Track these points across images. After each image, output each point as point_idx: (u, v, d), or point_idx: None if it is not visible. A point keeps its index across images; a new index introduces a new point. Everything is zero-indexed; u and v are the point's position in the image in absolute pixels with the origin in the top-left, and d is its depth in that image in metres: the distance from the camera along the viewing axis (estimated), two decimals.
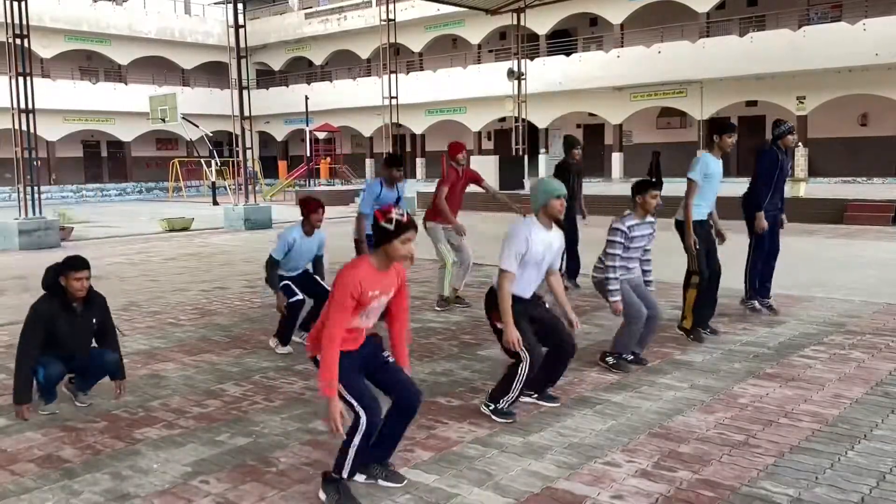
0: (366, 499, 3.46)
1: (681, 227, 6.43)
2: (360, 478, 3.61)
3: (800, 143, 26.41)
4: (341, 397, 3.35)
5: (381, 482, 3.60)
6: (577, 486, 3.57)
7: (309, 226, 6.23)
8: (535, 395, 4.76)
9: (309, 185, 33.64)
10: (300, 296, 6.28)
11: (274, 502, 3.46)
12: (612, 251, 5.41)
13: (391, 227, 3.36)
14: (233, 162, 29.79)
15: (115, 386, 4.91)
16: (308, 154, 35.04)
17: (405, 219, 3.39)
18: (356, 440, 3.41)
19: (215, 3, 40.66)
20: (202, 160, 32.62)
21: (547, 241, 4.57)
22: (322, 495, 3.45)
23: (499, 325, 4.52)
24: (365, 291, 3.36)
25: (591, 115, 32.38)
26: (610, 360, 5.53)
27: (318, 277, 6.43)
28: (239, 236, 16.77)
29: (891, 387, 5.01)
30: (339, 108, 38.00)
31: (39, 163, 15.84)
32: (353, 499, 3.39)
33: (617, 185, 28.45)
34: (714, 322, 6.64)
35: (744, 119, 29.34)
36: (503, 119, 33.06)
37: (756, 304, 7.26)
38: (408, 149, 39.51)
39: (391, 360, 3.68)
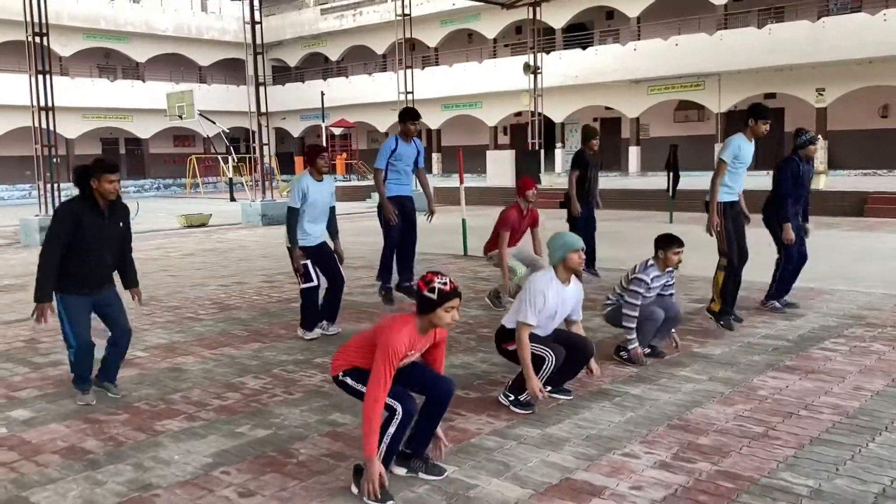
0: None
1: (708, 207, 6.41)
2: (400, 471, 3.62)
3: (819, 136, 26.14)
4: None
5: (421, 475, 3.61)
6: (596, 477, 3.57)
7: (317, 172, 6.42)
8: (549, 389, 4.76)
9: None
10: (315, 281, 6.43)
11: (294, 493, 3.49)
12: (632, 300, 5.43)
13: (434, 296, 3.39)
14: (250, 158, 30.01)
15: (132, 294, 5.09)
16: None
17: (448, 287, 3.40)
18: (391, 430, 3.45)
19: (231, 0, 40.80)
20: (219, 156, 32.81)
21: (562, 297, 4.64)
22: (354, 489, 3.46)
23: (510, 349, 4.63)
24: (406, 354, 3.45)
25: (607, 108, 32.25)
26: (624, 354, 5.51)
27: (335, 255, 6.59)
28: (256, 231, 16.86)
29: None
30: (355, 103, 38.06)
31: (59, 160, 15.97)
32: (386, 492, 3.39)
33: (634, 179, 28.36)
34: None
35: None
36: (519, 113, 33.01)
37: (776, 303, 7.14)
38: (424, 144, 39.52)
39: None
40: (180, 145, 42.44)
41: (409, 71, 22.46)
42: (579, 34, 32.98)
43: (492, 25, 35.12)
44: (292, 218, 6.31)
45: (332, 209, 6.70)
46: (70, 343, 4.81)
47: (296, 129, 43.35)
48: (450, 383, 3.68)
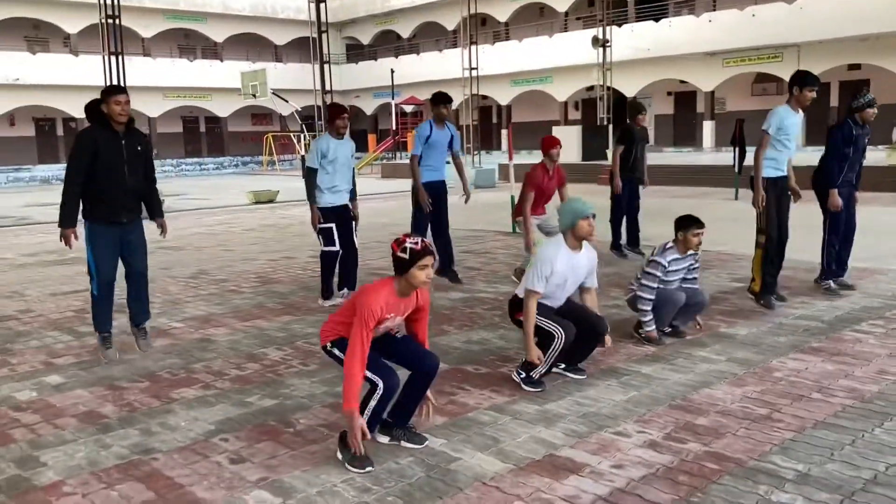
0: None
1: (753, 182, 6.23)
2: (383, 439, 3.73)
3: None
4: None
5: (403, 443, 3.70)
6: (580, 455, 3.56)
7: (335, 131, 6.63)
8: (563, 366, 4.74)
9: (396, 158, 34.04)
10: (335, 246, 6.66)
11: (283, 460, 3.60)
12: (648, 283, 5.31)
13: (406, 256, 3.46)
14: None
15: (158, 224, 5.35)
16: (394, 127, 35.39)
17: (419, 246, 3.47)
18: (372, 404, 3.54)
19: None
20: (292, 134, 33.47)
21: (572, 264, 4.56)
22: (339, 455, 3.57)
23: (521, 318, 4.59)
24: (384, 316, 3.52)
25: (681, 82, 31.38)
26: (643, 331, 5.42)
27: (353, 221, 6.83)
28: None
29: None
30: (425, 80, 38.11)
31: None
32: (367, 457, 3.50)
33: (707, 154, 27.56)
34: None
35: (846, 84, 27.82)
36: (591, 88, 32.43)
37: (831, 284, 6.78)
38: (494, 120, 39.34)
39: (400, 335, 3.79)
40: (258, 123, 43.45)
41: (473, 47, 22.34)
42: (652, 6, 32.08)
43: None
44: (311, 178, 6.59)
45: (352, 171, 6.94)
46: (92, 274, 5.12)
47: (369, 107, 43.76)
48: (434, 358, 3.72)
